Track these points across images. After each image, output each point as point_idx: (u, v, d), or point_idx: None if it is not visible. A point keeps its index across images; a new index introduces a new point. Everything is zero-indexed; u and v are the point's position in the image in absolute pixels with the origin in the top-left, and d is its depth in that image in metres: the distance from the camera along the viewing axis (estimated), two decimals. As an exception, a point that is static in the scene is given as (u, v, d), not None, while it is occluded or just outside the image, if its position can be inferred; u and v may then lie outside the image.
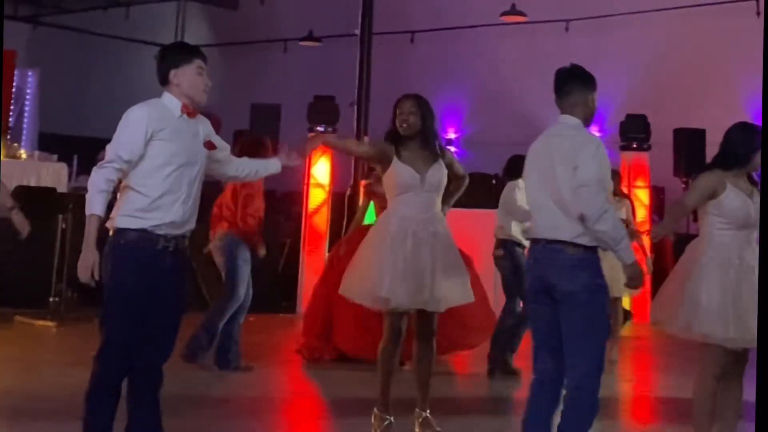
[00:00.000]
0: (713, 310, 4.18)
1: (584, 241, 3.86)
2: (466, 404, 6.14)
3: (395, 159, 4.78)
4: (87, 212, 3.66)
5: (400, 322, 4.80)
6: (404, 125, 4.81)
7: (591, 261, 3.90)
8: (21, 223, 5.08)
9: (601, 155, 3.88)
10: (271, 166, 4.33)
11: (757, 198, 4.25)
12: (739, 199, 4.27)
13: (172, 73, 3.88)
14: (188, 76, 3.89)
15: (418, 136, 4.82)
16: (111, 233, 3.77)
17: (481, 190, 12.00)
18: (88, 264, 3.63)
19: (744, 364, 4.33)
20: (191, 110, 3.88)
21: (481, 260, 7.15)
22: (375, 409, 4.86)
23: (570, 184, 3.83)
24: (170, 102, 3.86)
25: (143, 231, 3.73)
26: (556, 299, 3.91)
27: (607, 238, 3.81)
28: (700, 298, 4.22)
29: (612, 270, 7.50)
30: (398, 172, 4.76)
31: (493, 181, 12.24)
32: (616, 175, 7.81)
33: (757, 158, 4.24)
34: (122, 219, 3.75)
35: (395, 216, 4.78)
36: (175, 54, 3.95)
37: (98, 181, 3.67)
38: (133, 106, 3.84)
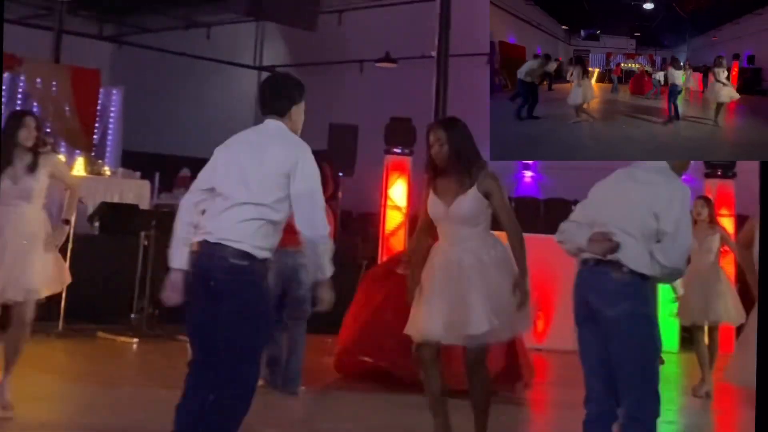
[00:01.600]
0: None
1: (633, 265, 3.70)
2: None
3: (430, 192, 4.71)
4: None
5: (424, 352, 4.67)
6: (433, 156, 4.70)
7: (636, 287, 3.73)
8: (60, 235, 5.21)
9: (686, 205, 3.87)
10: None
11: None
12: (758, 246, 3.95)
13: (294, 108, 3.87)
14: (301, 114, 3.91)
15: (449, 165, 4.64)
16: (247, 259, 3.71)
17: (559, 217, 11.81)
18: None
19: None
20: None
21: (558, 287, 7.02)
22: None
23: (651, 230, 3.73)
24: None
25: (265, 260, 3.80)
26: (601, 325, 3.77)
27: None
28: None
29: (708, 296, 7.27)
30: (429, 205, 4.72)
31: (573, 207, 12.01)
32: (709, 203, 7.65)
33: None
34: (257, 249, 3.73)
35: (435, 249, 4.74)
36: (298, 88, 3.93)
37: None
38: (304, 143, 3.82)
